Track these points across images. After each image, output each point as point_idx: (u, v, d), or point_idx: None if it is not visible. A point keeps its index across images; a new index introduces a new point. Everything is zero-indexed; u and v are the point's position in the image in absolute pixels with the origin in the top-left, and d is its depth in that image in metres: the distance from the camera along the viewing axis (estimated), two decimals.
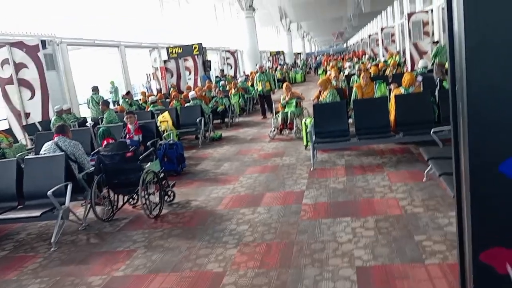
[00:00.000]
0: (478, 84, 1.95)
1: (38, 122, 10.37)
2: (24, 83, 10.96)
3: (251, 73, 20.64)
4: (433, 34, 16.89)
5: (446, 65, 12.02)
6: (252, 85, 17.09)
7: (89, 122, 10.10)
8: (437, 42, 13.87)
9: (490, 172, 1.95)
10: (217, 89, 13.17)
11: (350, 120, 7.42)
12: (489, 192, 1.99)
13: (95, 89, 12.30)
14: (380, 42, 27.09)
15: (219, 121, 12.06)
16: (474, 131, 1.97)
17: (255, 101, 15.27)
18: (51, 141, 5.45)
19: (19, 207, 5.01)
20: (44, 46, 10.99)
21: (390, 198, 4.82)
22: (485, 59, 1.93)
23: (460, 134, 2.06)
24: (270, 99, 12.57)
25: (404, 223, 4.09)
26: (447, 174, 3.87)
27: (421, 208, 4.39)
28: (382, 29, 27.01)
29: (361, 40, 46.84)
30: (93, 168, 5.37)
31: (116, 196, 5.51)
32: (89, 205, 5.16)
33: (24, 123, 10.87)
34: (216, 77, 20.28)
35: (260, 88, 12.64)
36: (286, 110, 9.28)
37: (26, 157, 5.82)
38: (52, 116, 10.33)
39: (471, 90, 1.96)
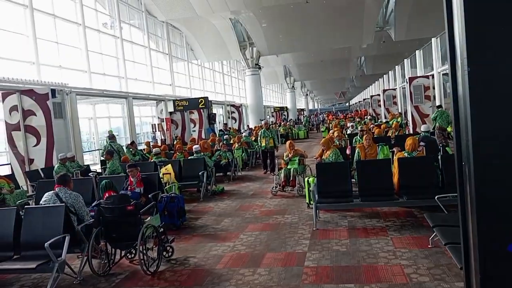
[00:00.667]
0: (485, 165, 1.96)
1: (41, 169, 10.39)
2: (30, 130, 11.11)
3: (255, 127, 20.96)
4: (434, 98, 17.29)
5: (448, 129, 12.22)
6: (256, 140, 17.29)
7: (92, 172, 10.11)
8: (440, 106, 14.17)
9: (500, 252, 1.92)
10: (221, 143, 13.29)
11: (353, 180, 7.42)
12: (500, 274, 1.95)
13: (112, 137, 12.55)
14: (382, 103, 27.68)
15: (221, 174, 12.05)
16: (482, 214, 1.96)
17: (258, 156, 15.37)
18: (52, 191, 5.42)
19: (15, 257, 4.90)
20: (53, 95, 11.26)
21: (394, 264, 4.70)
22: (492, 140, 1.95)
23: (468, 213, 2.05)
24: (273, 155, 12.39)
25: None
26: (453, 243, 3.79)
27: (427, 277, 4.26)
28: (384, 91, 27.69)
29: (363, 100, 47.89)
30: (92, 220, 5.30)
31: (113, 249, 5.39)
32: (85, 258, 5.04)
33: (27, 169, 10.89)
34: (220, 130, 20.55)
35: (263, 144, 12.53)
36: (289, 166, 9.31)
37: (26, 206, 5.76)
38: (56, 164, 10.37)
39: (479, 171, 1.97)
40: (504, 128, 1.94)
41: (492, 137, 1.96)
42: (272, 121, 35.43)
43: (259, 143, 12.93)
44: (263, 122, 13.96)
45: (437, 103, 15.43)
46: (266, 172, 12.51)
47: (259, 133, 13.06)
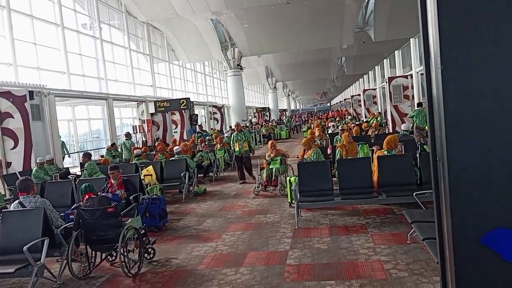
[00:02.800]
0: (458, 160, 2.01)
1: (19, 172, 10.18)
2: (7, 133, 10.86)
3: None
4: (413, 97, 17.58)
5: (426, 128, 12.43)
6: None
7: (72, 174, 9.97)
8: (420, 104, 14.31)
9: (473, 245, 1.98)
10: (203, 144, 13.25)
11: (334, 179, 7.50)
12: (473, 265, 2.01)
13: (128, 135, 14.53)
14: (362, 103, 28.01)
15: (203, 175, 12.00)
16: (455, 207, 2.02)
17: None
18: (17, 200, 5.22)
19: None
20: (31, 97, 11.05)
21: (374, 260, 4.77)
22: (465, 136, 2.01)
23: (442, 207, 2.10)
24: (249, 162, 11.18)
25: None
26: (430, 238, 3.88)
27: (406, 272, 4.34)
28: (364, 91, 28.03)
29: (344, 100, 48.38)
30: (68, 224, 5.21)
31: (93, 252, 5.33)
32: (65, 262, 4.97)
33: (4, 173, 10.65)
34: (198, 132, 20.19)
35: (237, 149, 11.11)
36: (271, 166, 9.34)
37: (4, 210, 5.64)
38: (34, 167, 10.18)
39: (452, 166, 2.02)
40: (476, 124, 2.00)
41: (464, 133, 2.01)
42: (254, 122, 35.48)
43: (232, 148, 11.62)
44: (233, 124, 12.71)
45: (416, 102, 15.65)
46: (243, 182, 11.05)
47: (232, 137, 11.70)
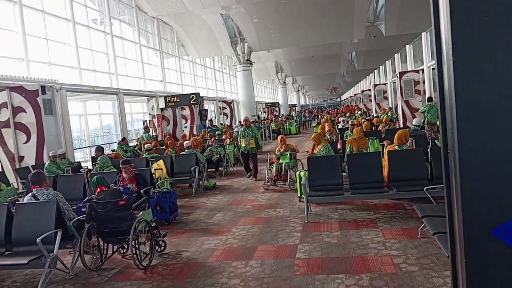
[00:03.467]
0: (469, 152, 2.00)
1: (32, 166, 10.32)
2: (20, 127, 11.02)
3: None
4: (424, 92, 17.41)
5: (438, 123, 12.33)
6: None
7: (83, 168, 10.08)
8: (431, 98, 14.19)
9: (484, 237, 1.97)
10: (212, 139, 13.29)
11: (344, 174, 7.48)
12: (484, 257, 2.00)
13: (146, 129, 16.31)
14: (372, 98, 27.82)
15: (213, 169, 12.06)
16: (467, 197, 2.01)
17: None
18: (30, 193, 5.32)
19: (6, 253, 4.89)
20: (43, 92, 11.18)
21: (384, 255, 4.77)
22: (476, 128, 2.00)
23: (453, 199, 2.10)
24: (255, 159, 10.86)
25: (399, 282, 4.02)
26: (441, 233, 3.86)
27: (416, 267, 4.33)
28: (374, 86, 27.83)
29: (355, 95, 48.06)
30: (80, 216, 5.28)
31: (105, 244, 5.40)
32: (77, 253, 5.04)
33: (17, 167, 10.81)
34: (208, 127, 20.33)
35: (243, 145, 10.76)
36: (280, 161, 9.35)
37: (17, 202, 5.73)
38: (46, 161, 10.31)
39: (463, 157, 2.01)
40: (488, 116, 1.99)
41: (476, 125, 2.00)
42: (264, 117, 35.44)
43: (239, 144, 11.28)
44: (242, 119, 12.03)
45: (427, 97, 15.50)
46: (250, 176, 10.89)
47: (239, 132, 11.38)
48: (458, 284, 2.15)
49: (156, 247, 5.44)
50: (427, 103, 14.04)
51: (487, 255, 2.01)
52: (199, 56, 28.70)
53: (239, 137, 11.07)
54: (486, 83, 1.99)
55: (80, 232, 5.06)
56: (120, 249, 5.56)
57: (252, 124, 11.44)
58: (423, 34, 18.14)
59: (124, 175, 6.84)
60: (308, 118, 37.74)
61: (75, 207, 5.80)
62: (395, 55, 25.01)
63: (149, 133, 16.25)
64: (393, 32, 25.35)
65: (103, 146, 11.58)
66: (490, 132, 1.98)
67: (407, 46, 21.80)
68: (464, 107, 2.01)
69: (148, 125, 18.54)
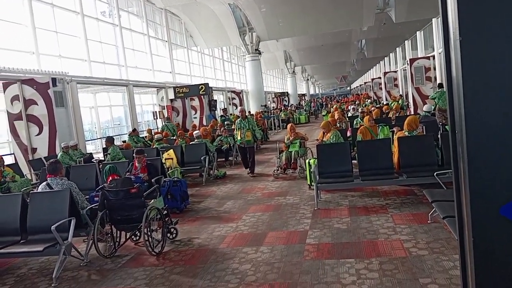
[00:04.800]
0: (477, 132, 2.00)
1: (44, 158, 10.48)
2: (32, 119, 11.17)
3: (256, 113, 20.97)
4: (435, 79, 17.22)
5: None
6: (257, 125, 17.29)
7: (95, 158, 10.20)
8: (441, 84, 14.01)
9: (492, 216, 1.98)
10: (222, 128, 13.34)
11: (354, 161, 7.47)
12: (491, 235, 2.01)
13: (168, 119, 17.39)
14: (383, 86, 27.59)
15: (223, 159, 12.13)
16: (474, 176, 2.01)
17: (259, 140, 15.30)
18: (45, 182, 5.43)
19: (21, 241, 5.00)
20: (54, 84, 11.29)
21: (394, 240, 4.78)
22: (484, 107, 1.99)
23: (461, 178, 2.10)
24: (252, 152, 10.03)
25: (408, 265, 4.04)
26: (451, 217, 3.86)
27: (426, 251, 4.34)
28: (385, 74, 27.58)
29: (365, 83, 47.70)
30: (94, 205, 5.37)
31: (118, 232, 5.49)
32: (91, 241, 5.14)
33: (30, 158, 10.98)
34: (221, 116, 20.59)
35: (238, 138, 9.99)
36: (290, 149, 9.37)
37: (31, 191, 5.85)
38: (59, 152, 10.46)
39: (470, 137, 2.01)
40: (495, 96, 1.98)
41: (483, 105, 2.00)
42: (273, 107, 35.36)
43: (235, 137, 10.40)
44: (238, 110, 11.08)
45: (438, 83, 15.32)
46: (249, 173, 10.04)
47: (235, 124, 10.40)
48: (466, 263, 2.16)
49: (168, 234, 5.52)
50: (438, 90, 13.88)
51: (495, 232, 2.02)
52: (208, 46, 28.65)
53: (235, 130, 10.33)
54: (494, 61, 1.98)
55: (94, 220, 5.15)
56: (133, 236, 5.65)
57: (248, 116, 10.70)
58: (433, 20, 17.87)
59: (137, 164, 6.93)
60: (314, 108, 37.43)
61: (88, 196, 5.92)
62: (406, 42, 24.71)
63: (171, 122, 17.07)
64: (403, 19, 25.00)
65: (114, 137, 11.66)
66: (498, 112, 1.97)
67: (417, 32, 21.51)
68: (471, 86, 2.01)
69: (158, 116, 18.67)
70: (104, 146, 10.72)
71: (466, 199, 2.08)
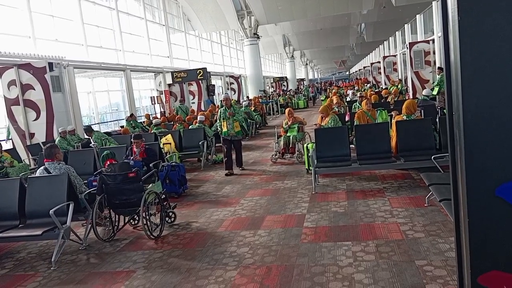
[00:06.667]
0: (473, 112, 1.99)
1: (42, 143, 10.46)
2: (29, 104, 11.11)
3: (254, 98, 20.90)
4: (434, 63, 17.12)
5: None
6: (256, 110, 17.27)
7: (93, 144, 10.16)
8: (441, 68, 13.92)
9: (487, 197, 1.98)
10: None
11: (352, 146, 7.48)
12: (487, 216, 2.01)
13: (182, 101, 18.21)
14: (382, 70, 27.45)
15: (221, 144, 12.07)
16: (470, 158, 2.01)
17: (257, 126, 15.33)
18: (42, 166, 5.44)
19: (20, 225, 5.03)
20: (51, 68, 11.19)
21: (391, 223, 4.82)
22: (481, 88, 1.98)
23: (457, 159, 2.10)
24: (239, 147, 8.91)
25: (405, 248, 4.08)
26: (447, 199, 3.88)
27: (422, 233, 4.38)
28: (384, 58, 27.41)
29: (364, 68, 47.40)
30: (92, 189, 5.38)
31: (117, 216, 5.52)
32: (90, 225, 5.17)
33: (28, 143, 10.96)
34: (221, 101, 20.50)
35: (224, 130, 8.57)
36: (288, 134, 9.36)
37: (29, 176, 5.85)
38: (56, 137, 10.43)
39: (467, 118, 2.01)
40: (492, 76, 1.97)
41: (480, 85, 1.98)
42: (271, 91, 35.21)
43: (220, 128, 8.79)
44: (222, 97, 9.31)
45: (437, 67, 15.23)
46: (230, 173, 8.50)
47: (218, 114, 8.93)
48: (461, 244, 2.17)
49: (166, 218, 5.56)
50: (439, 75, 13.79)
51: (490, 213, 2.02)
52: (206, 31, 28.39)
53: (218, 120, 8.88)
54: (492, 42, 1.96)
55: (92, 204, 5.16)
56: (132, 220, 5.68)
57: (233, 105, 9.34)
58: (434, 3, 17.68)
59: (135, 149, 6.91)
60: (312, 94, 37.18)
61: (86, 181, 5.93)
62: (405, 25, 24.48)
63: (185, 104, 18.07)
64: (403, 2, 24.69)
65: (111, 123, 11.58)
66: (495, 92, 1.96)
67: (417, 16, 21.31)
68: (468, 66, 1.99)
69: (155, 101, 18.57)
70: (86, 135, 10.21)
71: (462, 179, 2.09)
